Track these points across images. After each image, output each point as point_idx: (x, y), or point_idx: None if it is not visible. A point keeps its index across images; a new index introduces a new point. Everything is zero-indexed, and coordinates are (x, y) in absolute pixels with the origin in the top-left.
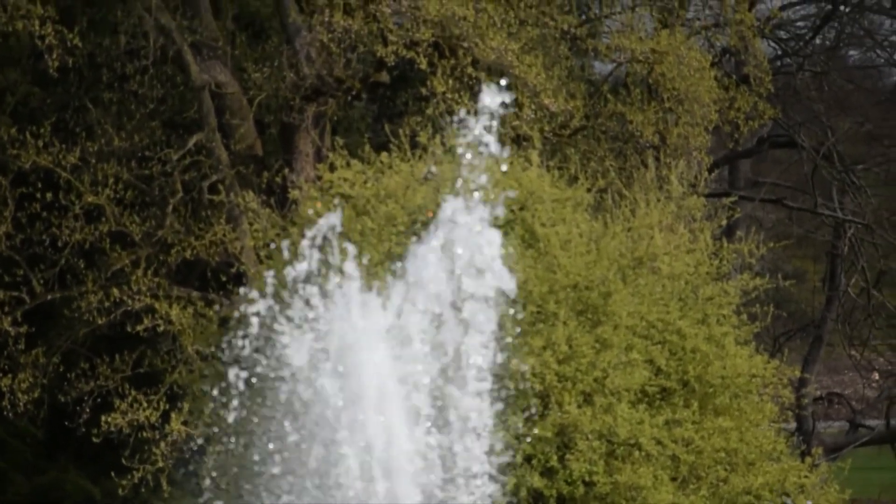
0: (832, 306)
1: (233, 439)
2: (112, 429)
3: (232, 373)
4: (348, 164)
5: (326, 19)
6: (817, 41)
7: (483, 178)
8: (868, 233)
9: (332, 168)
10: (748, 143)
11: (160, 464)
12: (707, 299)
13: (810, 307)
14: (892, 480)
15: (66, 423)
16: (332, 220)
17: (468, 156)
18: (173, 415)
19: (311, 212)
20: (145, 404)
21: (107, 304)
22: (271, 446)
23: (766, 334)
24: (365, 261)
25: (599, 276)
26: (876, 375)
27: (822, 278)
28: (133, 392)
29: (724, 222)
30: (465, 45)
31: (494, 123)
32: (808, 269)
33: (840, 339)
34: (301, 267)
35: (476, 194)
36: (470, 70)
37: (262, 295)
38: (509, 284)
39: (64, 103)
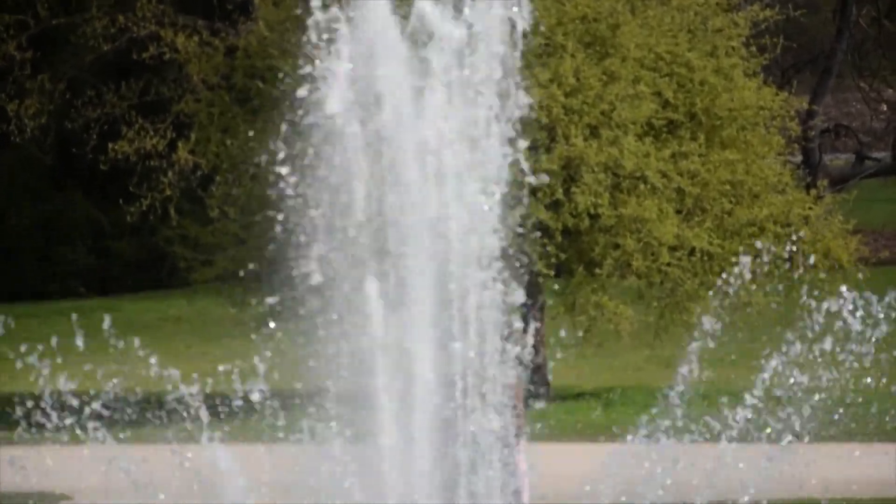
0: (843, 37)
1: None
2: (119, 156)
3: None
4: None
5: None
6: None
7: None
8: None
9: None
10: None
11: (167, 192)
12: (716, 31)
13: (821, 38)
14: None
15: (74, 150)
16: None
17: None
18: (180, 144)
19: None
20: (152, 132)
21: (112, 30)
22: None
23: (775, 66)
24: None
25: (608, 8)
26: (884, 107)
27: (834, 9)
28: (140, 120)
29: None
30: None
31: None
32: None
33: (849, 71)
34: None
35: None
36: None
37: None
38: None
39: None
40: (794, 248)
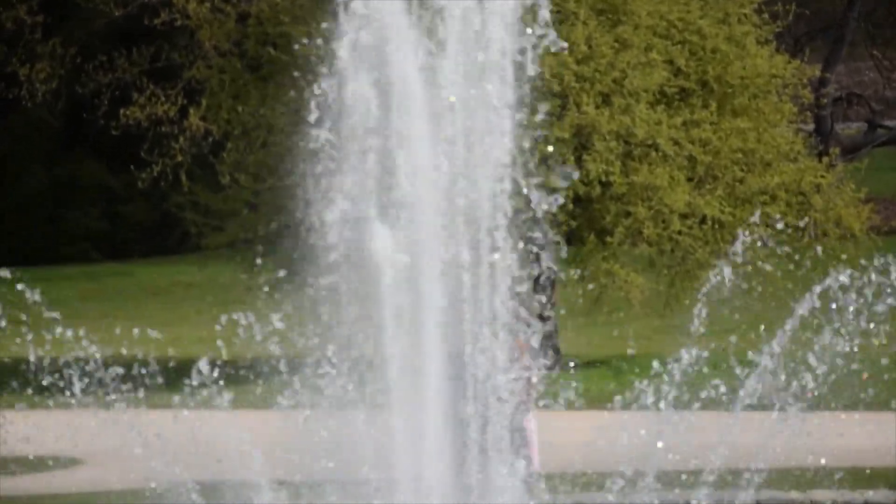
0: (855, 5)
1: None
2: (130, 122)
3: None
4: None
5: None
6: None
7: None
8: None
9: None
10: None
11: (179, 158)
12: None
13: (833, 6)
14: None
15: (85, 116)
16: None
17: None
18: (191, 110)
19: None
20: (163, 98)
21: None
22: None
23: (788, 34)
24: None
25: None
26: None
27: None
28: (151, 86)
29: None
30: None
31: None
32: None
33: (862, 39)
34: None
35: None
36: None
37: None
38: None
39: None
40: (807, 218)
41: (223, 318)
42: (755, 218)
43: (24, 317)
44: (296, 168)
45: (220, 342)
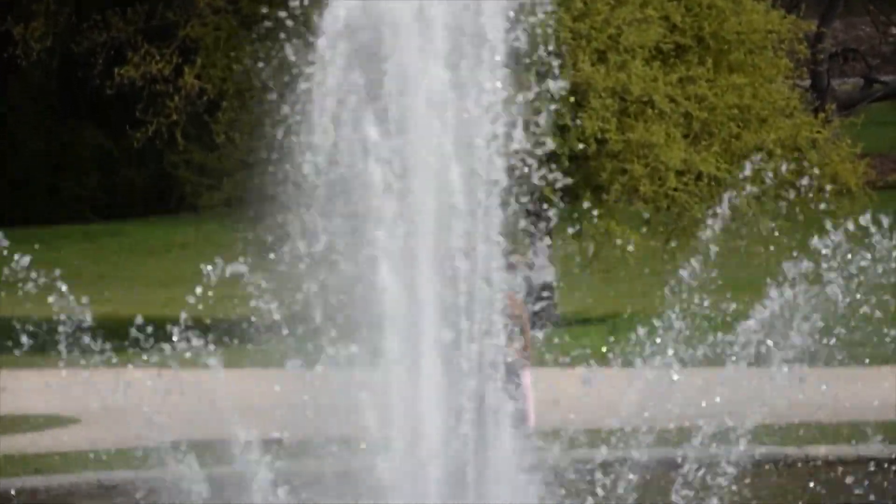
0: None
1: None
2: (125, 82)
3: None
4: None
5: None
6: None
7: None
8: None
9: None
10: None
11: (174, 117)
12: None
13: None
14: None
15: (79, 75)
16: None
17: None
18: (186, 69)
19: None
20: (158, 57)
21: None
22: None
23: None
24: None
25: None
26: (893, 30)
27: None
28: (145, 45)
29: None
30: None
31: None
32: None
33: None
34: None
35: None
36: None
37: None
38: None
39: None
40: (807, 178)
41: (218, 277)
42: (747, 172)
43: (19, 276)
44: (286, 126)
45: (212, 301)
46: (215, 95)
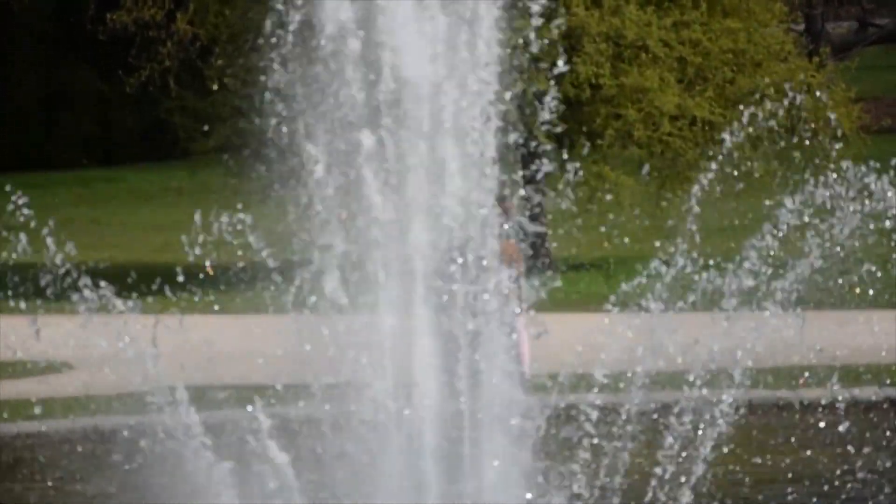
0: None
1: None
2: (118, 27)
3: None
4: None
5: None
6: None
7: None
8: None
9: None
10: None
11: (167, 63)
12: None
13: None
14: None
15: (71, 20)
16: None
17: None
18: (179, 14)
19: None
20: (150, 2)
21: None
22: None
23: None
24: None
25: None
26: None
27: None
28: None
29: None
30: None
31: None
32: None
33: None
34: None
35: None
36: None
37: None
38: None
39: None
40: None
41: (213, 223)
42: (743, 118)
43: (12, 222)
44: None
45: (210, 247)
46: (208, 41)
